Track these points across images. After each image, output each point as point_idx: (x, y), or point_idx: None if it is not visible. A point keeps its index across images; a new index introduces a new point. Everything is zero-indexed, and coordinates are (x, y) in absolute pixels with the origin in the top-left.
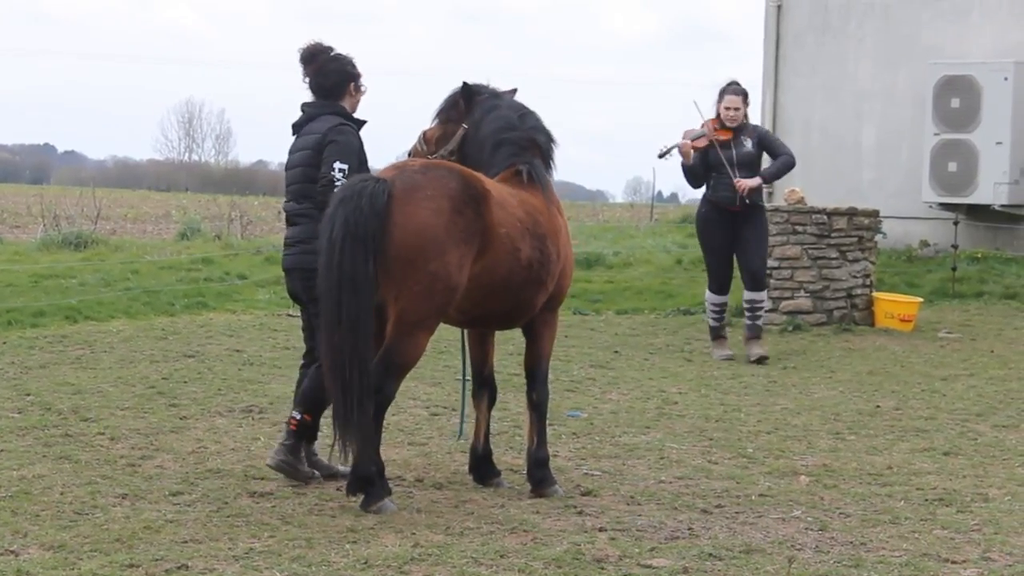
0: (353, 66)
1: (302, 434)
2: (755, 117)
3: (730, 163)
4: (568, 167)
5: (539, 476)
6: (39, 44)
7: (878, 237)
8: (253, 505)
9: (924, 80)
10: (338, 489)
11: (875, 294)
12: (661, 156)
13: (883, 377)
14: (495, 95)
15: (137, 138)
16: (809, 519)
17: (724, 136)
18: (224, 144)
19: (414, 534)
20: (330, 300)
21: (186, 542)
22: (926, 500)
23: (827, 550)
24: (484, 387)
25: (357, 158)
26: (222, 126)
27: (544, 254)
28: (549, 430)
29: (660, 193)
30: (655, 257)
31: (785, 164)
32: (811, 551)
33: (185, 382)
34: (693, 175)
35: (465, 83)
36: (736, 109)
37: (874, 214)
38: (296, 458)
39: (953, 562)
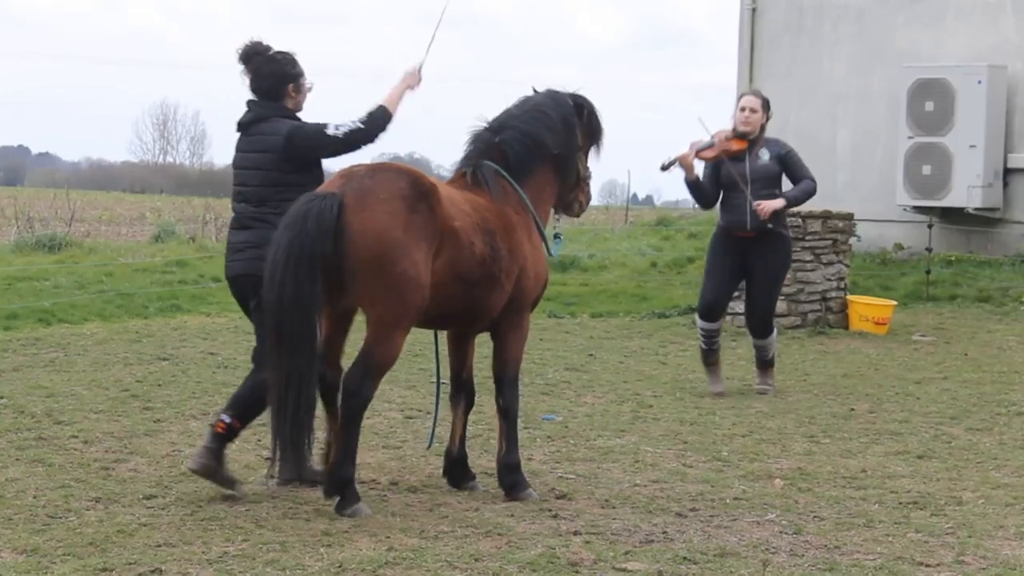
0: (293, 65)
1: (228, 439)
2: (728, 119)
3: (743, 178)
4: None
5: (510, 481)
6: (11, 46)
7: (852, 240)
8: (227, 509)
9: (898, 83)
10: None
11: (849, 297)
12: (664, 169)
13: (857, 380)
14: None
15: (111, 140)
16: (783, 522)
17: (737, 147)
18: (199, 146)
19: (388, 538)
20: (273, 320)
21: (160, 546)
22: (900, 503)
23: (801, 554)
24: (461, 391)
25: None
26: (197, 128)
27: (495, 250)
28: (523, 433)
29: (635, 195)
30: (630, 260)
31: (806, 191)
32: (785, 555)
33: (159, 385)
34: (699, 192)
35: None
36: (753, 111)
37: (848, 217)
38: (219, 463)
39: (927, 565)
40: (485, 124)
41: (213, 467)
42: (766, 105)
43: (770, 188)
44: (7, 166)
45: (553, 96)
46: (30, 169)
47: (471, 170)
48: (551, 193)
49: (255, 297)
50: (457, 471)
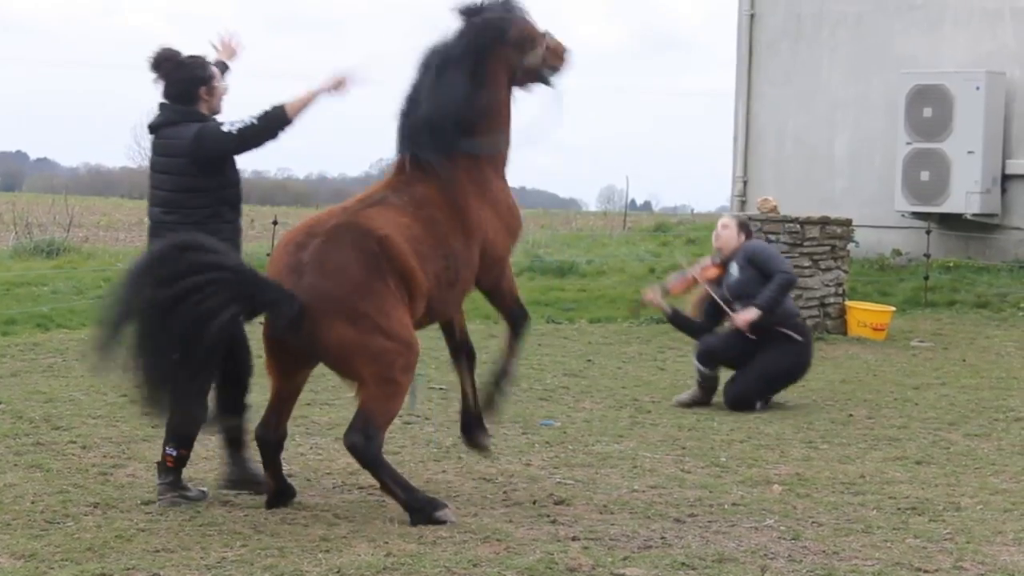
0: (203, 68)
1: (180, 467)
2: (728, 127)
3: (724, 301)
4: (541, 175)
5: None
6: (10, 51)
7: (851, 246)
8: (225, 514)
9: (897, 89)
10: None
11: (848, 303)
12: (635, 313)
13: (856, 386)
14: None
15: (110, 146)
16: (782, 528)
17: (713, 274)
18: None
19: (387, 543)
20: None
21: (158, 551)
22: (898, 509)
23: (800, 559)
24: (459, 350)
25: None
26: None
27: (452, 256)
28: (522, 439)
29: (633, 201)
30: (628, 266)
31: (780, 286)
32: (784, 560)
33: None
34: (683, 325)
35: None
36: (725, 227)
37: (847, 223)
38: (179, 490)
39: (925, 571)
40: (404, 102)
41: (176, 498)
42: (743, 227)
43: (752, 298)
44: (5, 172)
45: (452, 48)
46: (28, 175)
47: (409, 156)
48: (507, 113)
49: None
50: (474, 427)
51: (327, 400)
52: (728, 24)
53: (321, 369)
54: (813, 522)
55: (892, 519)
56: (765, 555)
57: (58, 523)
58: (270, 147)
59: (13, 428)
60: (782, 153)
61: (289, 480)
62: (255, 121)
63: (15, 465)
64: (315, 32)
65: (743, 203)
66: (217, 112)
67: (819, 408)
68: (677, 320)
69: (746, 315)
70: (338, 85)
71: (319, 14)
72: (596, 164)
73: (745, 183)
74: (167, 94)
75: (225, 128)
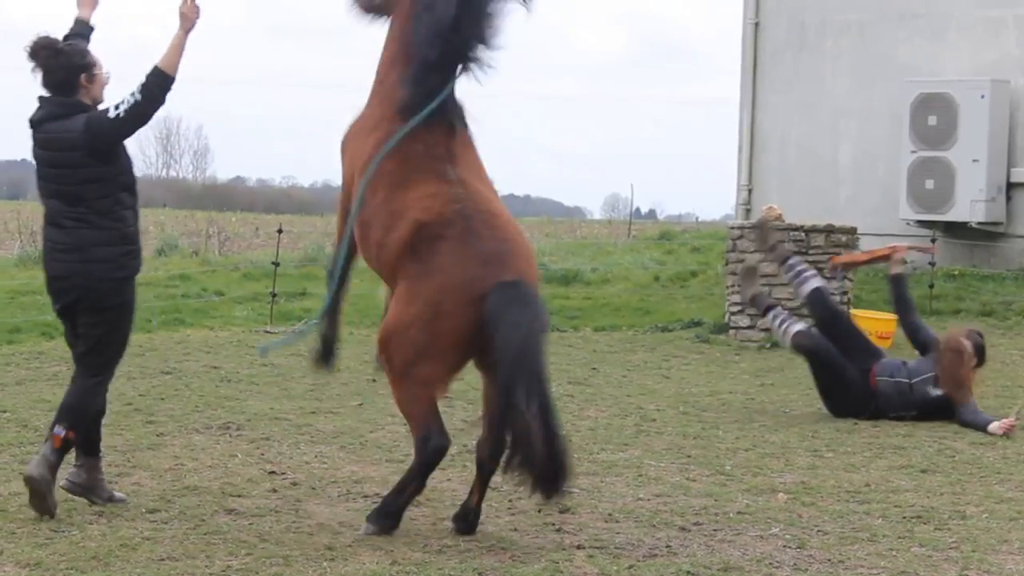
0: (83, 56)
1: (66, 451)
2: (732, 135)
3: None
4: (545, 184)
5: None
6: (14, 60)
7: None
8: (230, 523)
9: (901, 98)
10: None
11: (853, 311)
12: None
13: None
14: None
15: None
16: (787, 537)
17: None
18: (202, 160)
19: (392, 552)
20: None
21: (163, 560)
22: (904, 518)
23: (805, 568)
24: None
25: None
26: (200, 142)
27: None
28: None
29: (638, 209)
30: (633, 274)
31: (969, 422)
32: (789, 569)
33: (162, 399)
34: (901, 296)
35: None
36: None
37: (851, 231)
38: (53, 477)
39: None
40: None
41: (48, 480)
42: (977, 351)
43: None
44: (10, 180)
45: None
46: (33, 183)
47: (460, 124)
48: None
49: (70, 300)
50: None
51: (331, 409)
52: (732, 33)
53: (327, 377)
54: (818, 531)
55: (897, 528)
56: (770, 564)
57: (63, 532)
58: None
59: (18, 437)
60: (786, 162)
61: (294, 488)
62: (138, 97)
63: (20, 474)
64: (318, 39)
65: (748, 211)
66: (100, 101)
67: (824, 416)
68: (896, 285)
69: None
70: (189, 15)
71: (323, 22)
72: (600, 172)
73: (750, 191)
74: (46, 83)
75: (111, 114)
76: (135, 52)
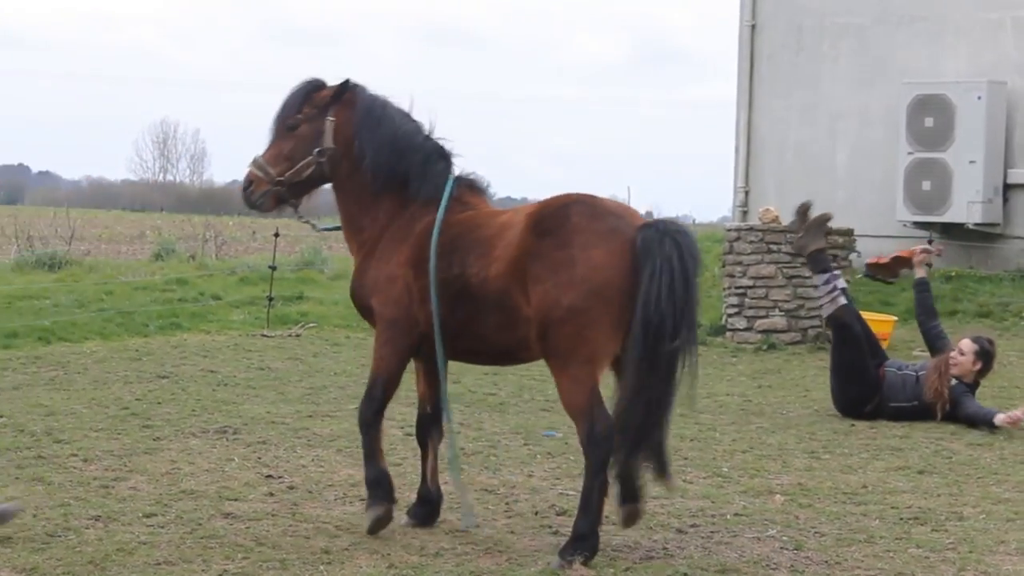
0: None
1: None
2: (729, 139)
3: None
4: (543, 186)
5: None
6: (11, 65)
7: (852, 256)
8: (227, 527)
9: (898, 99)
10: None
11: None
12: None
13: None
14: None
15: (112, 159)
16: (784, 538)
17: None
18: (199, 164)
19: (389, 555)
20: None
21: (159, 564)
22: (901, 519)
23: (802, 569)
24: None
25: None
26: (197, 146)
27: None
28: (524, 450)
29: None
30: None
31: (974, 416)
32: (786, 571)
33: (159, 403)
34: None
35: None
36: (963, 354)
37: (848, 233)
38: None
39: None
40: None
41: None
42: (981, 355)
43: None
44: (7, 185)
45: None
46: (30, 188)
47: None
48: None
49: None
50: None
51: (328, 412)
52: (727, 36)
53: (324, 381)
54: (815, 532)
55: (894, 529)
56: (767, 565)
57: (59, 536)
58: None
59: (15, 441)
60: (783, 163)
61: (291, 492)
62: None
63: (16, 478)
64: (316, 45)
65: (745, 213)
66: None
67: (821, 418)
68: (920, 290)
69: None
70: None
71: (320, 27)
72: (598, 174)
73: (747, 193)
74: None
75: None
76: (131, 54)
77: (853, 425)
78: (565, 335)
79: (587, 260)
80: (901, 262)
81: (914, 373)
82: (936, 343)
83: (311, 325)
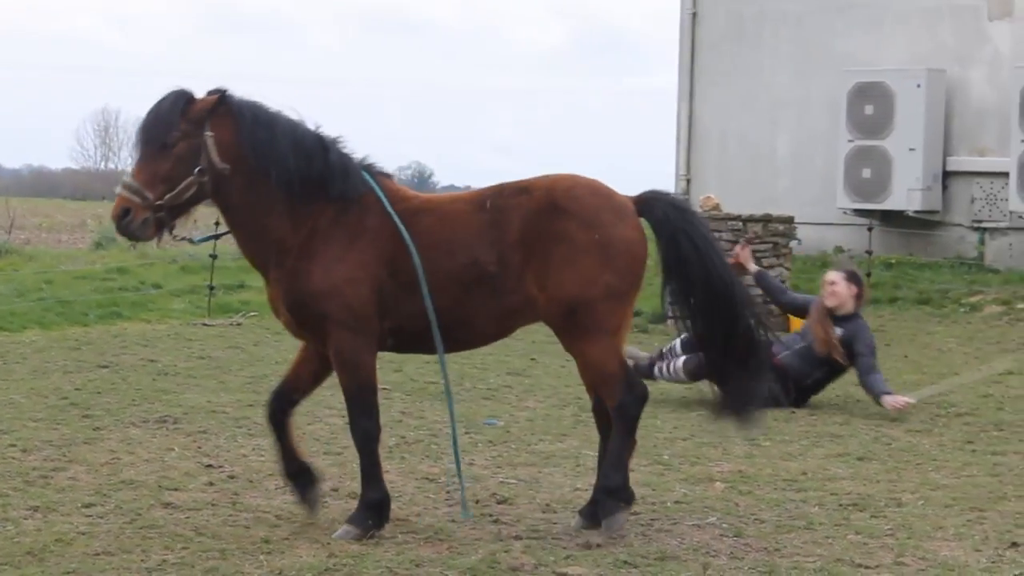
0: None
1: None
2: (671, 128)
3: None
4: (492, 176)
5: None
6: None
7: (793, 243)
8: (167, 516)
9: (838, 87)
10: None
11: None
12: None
13: None
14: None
15: (53, 147)
16: (724, 525)
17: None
18: None
19: (329, 544)
20: None
21: (98, 554)
22: (840, 505)
23: (742, 556)
24: None
25: None
26: None
27: None
28: (465, 438)
29: None
30: None
31: (866, 369)
32: (726, 557)
33: (99, 393)
34: (771, 291)
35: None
36: (834, 283)
37: (789, 220)
38: None
39: (867, 567)
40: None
41: None
42: (852, 278)
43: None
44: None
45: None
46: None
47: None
48: None
49: None
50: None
51: None
52: (670, 25)
53: (265, 370)
54: (755, 519)
55: (834, 515)
56: (707, 553)
57: None
58: None
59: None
60: (725, 152)
61: (231, 481)
62: None
63: None
64: (256, 32)
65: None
66: None
67: None
68: (763, 280)
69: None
70: None
71: (260, 14)
72: (545, 163)
73: (688, 182)
74: None
75: None
76: (72, 42)
77: (793, 412)
78: (600, 312)
79: (620, 239)
80: (737, 269)
81: (805, 344)
82: (801, 306)
83: (252, 314)
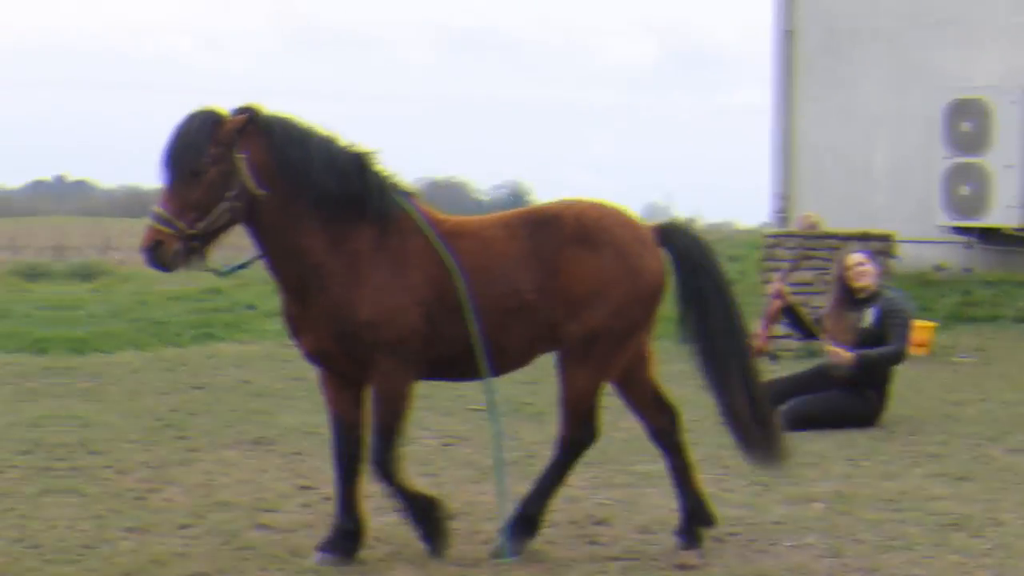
0: None
1: None
2: (762, 145)
3: (811, 324)
4: (585, 194)
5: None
6: (53, 74)
7: (892, 261)
8: (262, 538)
9: (934, 104)
10: None
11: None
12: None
13: (897, 402)
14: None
15: (148, 166)
16: (823, 546)
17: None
18: None
19: (425, 566)
20: None
21: (194, 575)
22: (939, 525)
23: None
24: None
25: None
26: None
27: None
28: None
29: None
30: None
31: (890, 356)
32: None
33: (193, 414)
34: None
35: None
36: (863, 264)
37: (887, 237)
38: None
39: None
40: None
41: None
42: (874, 259)
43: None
44: (44, 194)
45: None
46: (66, 196)
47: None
48: None
49: None
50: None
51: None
52: (761, 40)
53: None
54: (854, 539)
55: (933, 535)
56: (805, 573)
57: (93, 547)
58: None
59: (49, 453)
60: (822, 168)
61: (327, 503)
62: None
63: (50, 490)
64: (348, 48)
65: (784, 218)
66: None
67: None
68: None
69: (842, 353)
70: None
71: (354, 31)
72: (639, 181)
73: (786, 199)
74: None
75: None
76: (162, 63)
77: (892, 432)
78: (619, 343)
79: (648, 270)
80: (774, 318)
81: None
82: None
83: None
